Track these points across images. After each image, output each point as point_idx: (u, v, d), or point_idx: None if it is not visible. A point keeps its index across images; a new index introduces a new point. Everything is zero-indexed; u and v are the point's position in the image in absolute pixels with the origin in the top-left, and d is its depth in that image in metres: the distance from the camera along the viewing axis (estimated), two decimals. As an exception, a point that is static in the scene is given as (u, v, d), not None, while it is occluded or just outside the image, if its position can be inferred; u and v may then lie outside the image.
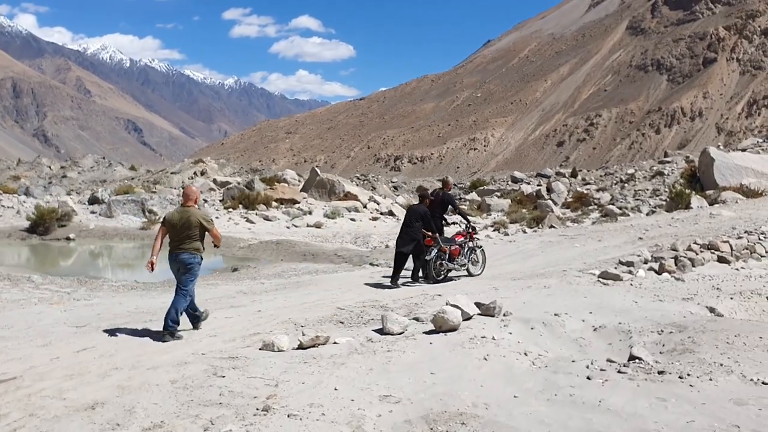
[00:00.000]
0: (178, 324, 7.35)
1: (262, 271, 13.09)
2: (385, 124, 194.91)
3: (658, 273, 11.26)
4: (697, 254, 11.86)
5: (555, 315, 7.65)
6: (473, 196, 29.13)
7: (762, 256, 12.43)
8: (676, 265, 11.50)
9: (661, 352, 6.21)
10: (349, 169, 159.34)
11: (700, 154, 23.03)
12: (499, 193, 28.34)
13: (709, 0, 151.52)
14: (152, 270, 7.50)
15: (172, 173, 37.82)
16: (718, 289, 9.30)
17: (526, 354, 6.17)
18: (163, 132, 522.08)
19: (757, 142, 31.84)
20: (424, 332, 6.95)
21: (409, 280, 11.11)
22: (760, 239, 12.75)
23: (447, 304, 7.52)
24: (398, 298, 9.46)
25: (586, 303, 8.57)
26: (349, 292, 10.21)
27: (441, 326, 6.88)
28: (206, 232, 7.54)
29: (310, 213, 24.58)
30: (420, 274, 11.06)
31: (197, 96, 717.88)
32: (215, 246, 8.10)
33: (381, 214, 25.18)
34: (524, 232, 17.70)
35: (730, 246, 12.13)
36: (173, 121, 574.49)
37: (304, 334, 6.85)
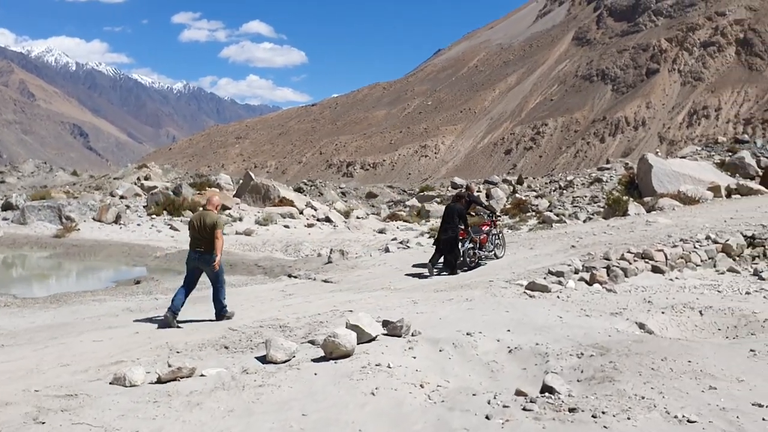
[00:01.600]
0: (226, 306, 8.50)
1: (164, 285, 11.86)
2: (337, 131, 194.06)
3: (589, 284, 10.59)
4: (630, 264, 11.26)
5: (468, 334, 6.77)
6: (413, 202, 28.35)
7: (697, 266, 11.93)
8: (608, 275, 10.84)
9: (578, 380, 5.39)
10: (301, 174, 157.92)
11: (639, 160, 22.87)
12: (439, 200, 27.66)
13: (652, 12, 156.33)
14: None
15: (115, 178, 36.04)
16: (649, 302, 8.62)
17: (422, 386, 5.24)
18: (110, 137, 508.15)
19: (696, 150, 32.15)
20: (313, 360, 5.96)
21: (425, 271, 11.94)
22: (695, 248, 12.26)
23: (347, 324, 6.56)
24: (304, 315, 8.45)
25: (507, 318, 7.75)
26: (251, 309, 9.14)
27: (332, 352, 5.90)
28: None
29: (240, 219, 23.32)
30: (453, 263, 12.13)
31: (145, 100, 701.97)
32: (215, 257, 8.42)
33: (318, 220, 24.10)
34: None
35: (665, 255, 11.58)
36: (120, 126, 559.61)
37: (169, 365, 5.75)
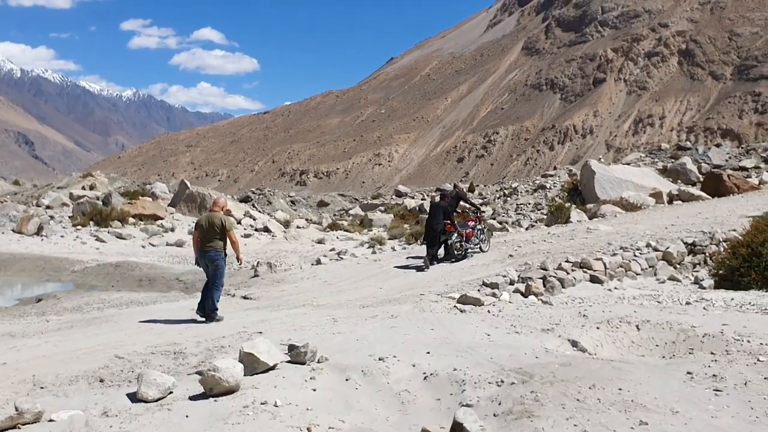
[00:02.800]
0: (217, 309, 8.78)
1: (64, 304, 10.72)
2: (290, 139, 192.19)
3: (525, 295, 10.01)
4: (568, 273, 10.73)
5: (380, 360, 6.00)
6: (357, 210, 27.54)
7: (637, 274, 11.50)
8: (544, 286, 10.29)
9: (494, 414, 4.67)
10: (253, 183, 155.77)
11: (582, 167, 22.70)
12: (383, 208, 26.95)
13: (598, 23, 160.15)
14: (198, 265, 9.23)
15: (59, 188, 34.18)
16: (584, 316, 8.02)
17: (309, 430, 4.41)
18: (57, 145, 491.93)
19: (640, 156, 32.40)
20: (191, 397, 5.08)
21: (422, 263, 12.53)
22: (635, 256, 11.84)
23: (240, 352, 5.71)
24: (207, 338, 7.53)
25: (430, 338, 7.02)
26: (149, 331, 8.16)
27: (212, 388, 5.03)
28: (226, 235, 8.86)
29: (172, 230, 22.08)
30: (441, 255, 13.04)
31: (93, 108, 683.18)
32: (235, 254, 9.08)
33: (255, 230, 23.02)
34: (393, 249, 16.22)
35: (604, 264, 11.10)
36: (67, 134, 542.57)
37: (16, 408, 4.78)
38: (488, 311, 8.45)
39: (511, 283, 10.35)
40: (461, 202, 14.94)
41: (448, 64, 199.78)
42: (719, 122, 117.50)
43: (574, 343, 7.06)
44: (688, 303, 9.44)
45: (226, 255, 8.96)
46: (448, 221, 13.09)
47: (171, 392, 5.18)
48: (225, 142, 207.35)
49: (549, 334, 7.26)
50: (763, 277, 10.40)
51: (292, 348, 6.20)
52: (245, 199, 52.72)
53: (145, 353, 6.89)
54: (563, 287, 10.35)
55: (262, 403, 4.79)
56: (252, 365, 5.63)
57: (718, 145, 33.32)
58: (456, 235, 13.18)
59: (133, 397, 5.12)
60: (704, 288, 10.81)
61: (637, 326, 7.55)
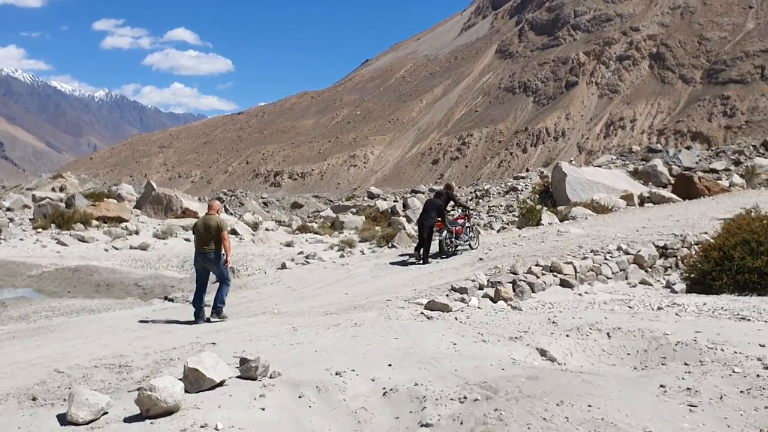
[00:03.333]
0: (224, 304, 9.16)
1: (9, 312, 10.07)
2: (264, 139, 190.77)
3: (494, 300, 9.71)
4: (538, 277, 10.47)
5: (337, 374, 5.61)
6: (328, 212, 27.10)
7: (608, 278, 11.29)
8: (513, 290, 10.01)
9: (456, 436, 4.32)
10: (227, 184, 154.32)
11: (553, 169, 22.58)
12: (354, 210, 26.55)
13: (571, 27, 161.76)
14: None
15: (27, 189, 33.20)
16: (554, 323, 7.73)
17: (251, 457, 4.02)
18: (27, 146, 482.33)
19: (612, 158, 32.49)
20: (127, 419, 4.64)
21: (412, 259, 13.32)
22: (606, 259, 11.64)
23: (184, 368, 5.28)
24: (157, 350, 7.07)
25: (393, 348, 6.67)
26: (96, 341, 7.67)
27: (149, 410, 4.60)
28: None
29: (136, 233, 21.41)
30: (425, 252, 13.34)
31: (65, 108, 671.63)
32: (224, 256, 9.26)
33: (222, 233, 22.46)
34: (362, 252, 15.82)
35: (574, 268, 10.86)
36: (38, 135, 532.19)
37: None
38: (456, 318, 8.12)
39: (481, 287, 10.05)
40: (451, 202, 15.26)
41: (423, 67, 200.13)
42: (689, 125, 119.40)
43: (543, 352, 6.76)
44: (660, 308, 9.24)
45: (221, 255, 9.24)
46: (440, 218, 13.58)
47: (105, 413, 4.74)
48: (198, 143, 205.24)
49: (517, 342, 6.95)
50: (735, 281, 10.26)
51: (243, 362, 5.80)
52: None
53: (88, 367, 6.42)
54: (533, 292, 10.08)
55: (201, 426, 4.39)
56: (197, 382, 5.22)
57: (688, 148, 33.59)
58: (446, 232, 13.71)
59: (63, 419, 4.67)
60: (676, 292, 10.63)
61: (608, 334, 7.28)
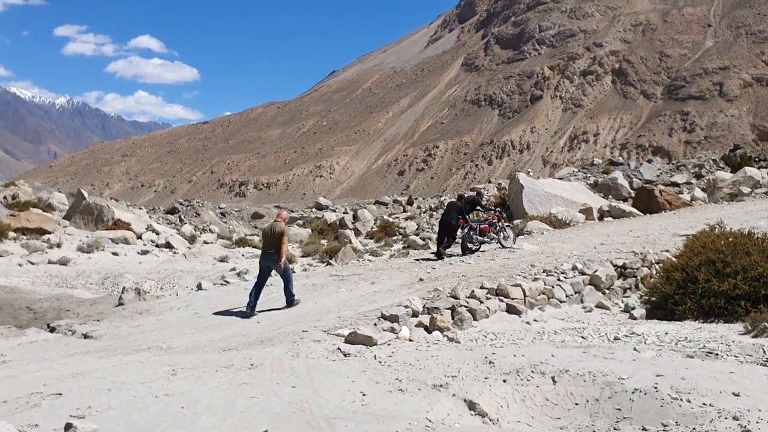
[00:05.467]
0: (294, 296, 10.18)
1: None
2: (229, 149, 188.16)
3: (429, 330, 8.40)
4: (481, 302, 9.19)
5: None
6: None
7: (561, 302, 10.08)
8: (453, 318, 8.71)
9: None
10: (191, 194, 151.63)
11: (510, 180, 21.54)
12: (301, 222, 25.05)
13: (536, 42, 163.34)
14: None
15: None
16: (491, 363, 6.42)
17: None
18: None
19: (573, 171, 31.73)
20: None
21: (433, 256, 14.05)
22: (560, 280, 10.44)
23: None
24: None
25: (284, 402, 5.28)
26: None
27: None
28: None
29: (58, 246, 19.56)
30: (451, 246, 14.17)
31: (24, 115, 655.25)
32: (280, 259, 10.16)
33: (156, 246, 20.76)
34: (293, 271, 14.36)
35: (523, 291, 9.62)
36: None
37: None
38: (375, 356, 6.75)
39: (415, 315, 8.73)
40: (477, 207, 15.59)
41: (390, 79, 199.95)
42: (650, 140, 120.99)
43: (472, 405, 5.45)
44: (616, 338, 8.06)
45: (282, 257, 10.17)
46: (461, 217, 14.10)
47: None
48: (162, 152, 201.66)
49: (441, 392, 5.63)
50: (700, 306, 9.14)
51: (68, 427, 4.34)
52: (172, 211, 49.66)
53: None
54: (475, 319, 8.80)
55: None
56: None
57: (649, 161, 33.04)
58: (468, 229, 14.12)
59: None
60: (635, 318, 9.48)
61: (553, 378, 6.00)
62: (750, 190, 21.10)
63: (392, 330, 8.25)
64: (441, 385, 5.75)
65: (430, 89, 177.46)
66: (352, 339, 7.61)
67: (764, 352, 7.30)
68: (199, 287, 11.90)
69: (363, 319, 8.66)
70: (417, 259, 14.05)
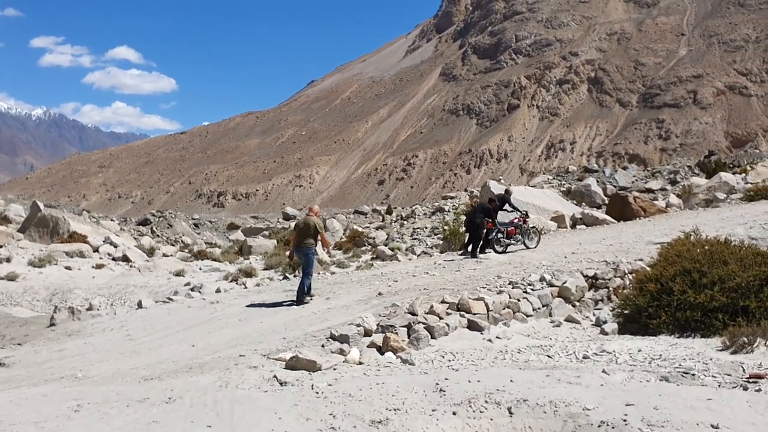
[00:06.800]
0: (306, 294, 10.43)
1: None
2: (207, 159, 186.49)
3: (382, 351, 7.64)
4: (441, 319, 8.46)
5: None
6: (238, 235, 24.50)
7: (528, 316, 9.40)
8: (409, 336, 7.96)
9: None
10: (168, 204, 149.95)
11: (481, 188, 20.93)
12: (267, 232, 24.16)
13: (512, 51, 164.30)
14: (291, 258, 11.33)
15: None
16: (442, 391, 5.68)
17: None
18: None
19: (548, 178, 31.33)
20: None
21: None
22: (527, 292, 9.76)
23: None
24: None
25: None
26: None
27: None
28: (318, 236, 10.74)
29: (8, 260, 18.52)
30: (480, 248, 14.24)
31: (0, 127, 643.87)
32: (324, 250, 11.56)
33: (113, 259, 19.77)
34: (245, 287, 13.55)
35: (486, 305, 8.91)
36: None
37: None
38: (313, 386, 5.96)
39: (367, 334, 7.97)
40: (506, 206, 15.81)
41: (369, 88, 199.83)
42: (626, 147, 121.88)
43: (409, 446, 4.70)
44: (585, 357, 7.40)
45: (316, 252, 10.68)
46: (489, 219, 14.37)
47: None
48: (140, 162, 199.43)
49: (380, 429, 4.87)
50: (675, 319, 8.52)
51: None
52: (144, 222, 48.41)
53: None
54: (433, 337, 8.06)
55: None
56: None
57: (624, 168, 32.73)
58: (496, 231, 14.53)
59: None
60: (606, 333, 8.83)
61: (509, 409, 5.27)
62: (725, 195, 20.72)
63: (341, 352, 7.49)
64: (380, 421, 5.00)
65: (408, 99, 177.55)
66: (293, 364, 6.82)
67: (743, 370, 6.68)
68: (140, 305, 11.02)
69: (311, 340, 7.88)
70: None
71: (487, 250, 14.42)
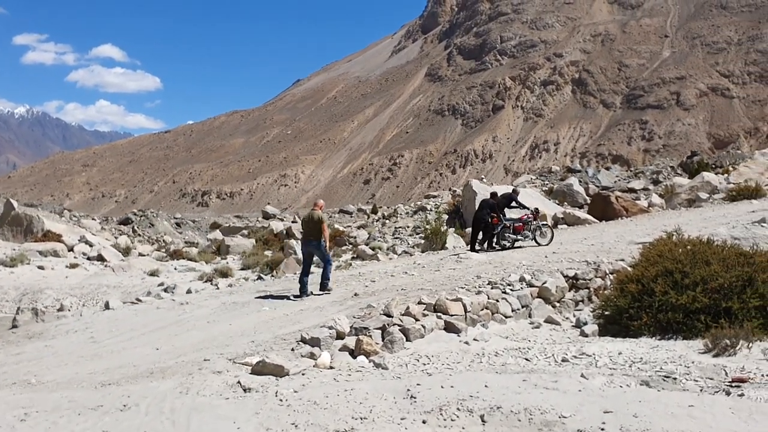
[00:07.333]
0: (329, 280, 10.97)
1: None
2: (192, 158, 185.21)
3: (354, 355, 7.34)
4: (417, 320, 8.19)
5: None
6: (216, 235, 24.04)
7: (507, 317, 9.15)
8: (383, 339, 7.68)
9: None
10: (152, 203, 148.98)
11: (464, 187, 20.72)
12: (246, 231, 23.74)
13: (497, 52, 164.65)
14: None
15: None
16: (413, 397, 5.41)
17: None
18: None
19: (531, 178, 31.22)
20: None
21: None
22: (506, 293, 9.53)
23: None
24: None
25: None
26: None
27: None
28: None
29: (-23, 260, 18.00)
30: (488, 243, 14.82)
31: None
32: (324, 243, 11.02)
33: (88, 259, 19.30)
34: (217, 287, 13.21)
35: (464, 306, 8.65)
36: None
37: None
38: (277, 393, 5.66)
39: (340, 336, 7.68)
40: (513, 203, 15.93)
41: (355, 88, 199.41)
42: (610, 148, 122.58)
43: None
44: (564, 360, 7.17)
45: (322, 242, 10.79)
46: (495, 214, 14.59)
47: None
48: (123, 161, 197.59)
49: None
50: (657, 321, 8.30)
51: None
52: (125, 221, 47.71)
53: None
54: (408, 340, 7.79)
55: None
56: None
57: (607, 168, 32.70)
58: (501, 226, 14.61)
59: None
60: (586, 335, 8.60)
61: (482, 417, 5.00)
62: (708, 195, 20.67)
63: (312, 356, 7.18)
64: (344, 431, 4.71)
65: (394, 99, 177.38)
66: (260, 369, 6.51)
67: (726, 374, 6.48)
68: (107, 306, 10.64)
69: (280, 343, 7.58)
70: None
71: (495, 246, 14.63)
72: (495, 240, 14.74)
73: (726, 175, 23.52)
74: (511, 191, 16.48)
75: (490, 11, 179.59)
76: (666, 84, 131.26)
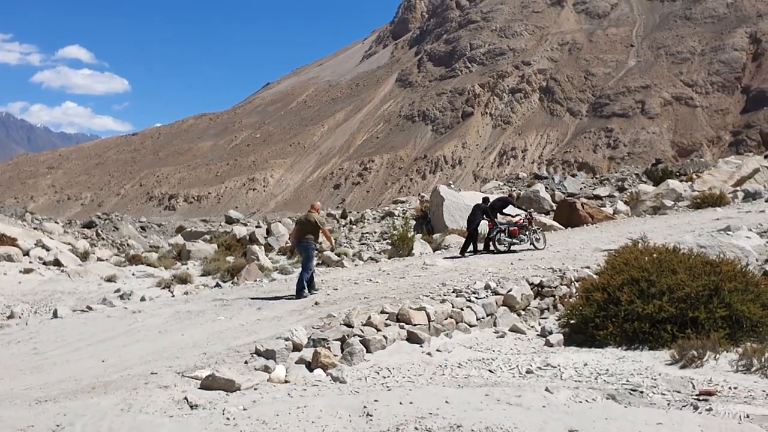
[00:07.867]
0: (305, 288, 10.68)
1: None
2: (159, 161, 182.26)
3: (311, 368, 7.01)
4: (378, 330, 7.90)
5: None
6: (177, 239, 23.45)
7: (471, 326, 8.92)
8: (342, 351, 7.36)
9: None
10: (119, 207, 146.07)
11: (431, 193, 20.56)
12: (208, 236, 23.21)
13: (467, 59, 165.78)
14: (292, 253, 14.05)
15: None
16: (369, 416, 5.10)
17: None
18: None
19: (498, 184, 31.26)
20: None
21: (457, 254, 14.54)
22: (471, 301, 9.30)
23: None
24: None
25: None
26: None
27: None
28: (320, 231, 11.24)
29: None
30: (484, 246, 15.18)
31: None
32: (325, 244, 12.71)
33: (44, 263, 18.55)
34: (172, 295, 12.75)
35: (427, 315, 8.39)
36: None
37: None
38: (224, 411, 5.30)
39: (297, 348, 7.34)
40: (509, 206, 16.15)
41: (325, 92, 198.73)
42: (576, 155, 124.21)
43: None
44: (529, 371, 6.96)
45: (317, 246, 11.20)
46: (489, 219, 14.79)
47: None
48: (90, 164, 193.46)
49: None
50: (623, 331, 8.15)
51: None
52: (89, 225, 46.41)
53: None
54: (368, 351, 7.49)
55: None
56: None
57: (573, 175, 32.94)
58: (497, 231, 14.68)
59: None
60: (552, 345, 8.41)
61: (443, 436, 4.72)
62: (673, 203, 20.83)
63: (266, 369, 6.84)
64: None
65: (365, 104, 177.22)
66: (210, 383, 6.15)
67: (693, 386, 6.33)
68: (55, 315, 10.11)
69: (233, 355, 7.20)
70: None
71: (492, 249, 14.67)
72: (492, 244, 14.81)
73: (690, 182, 23.80)
74: (506, 196, 16.53)
75: (460, 18, 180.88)
76: (631, 93, 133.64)
